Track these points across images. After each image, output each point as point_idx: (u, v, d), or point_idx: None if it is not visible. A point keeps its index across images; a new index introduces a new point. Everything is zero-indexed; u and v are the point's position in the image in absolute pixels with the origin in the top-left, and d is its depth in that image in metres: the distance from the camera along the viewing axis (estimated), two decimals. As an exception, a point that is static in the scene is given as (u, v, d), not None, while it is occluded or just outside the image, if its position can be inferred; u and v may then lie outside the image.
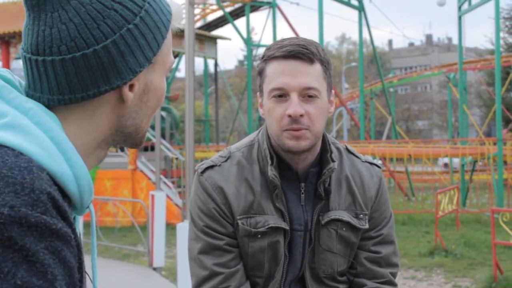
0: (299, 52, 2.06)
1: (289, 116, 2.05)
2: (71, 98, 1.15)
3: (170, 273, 10.21)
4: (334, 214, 2.22)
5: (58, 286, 0.99)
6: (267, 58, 2.12)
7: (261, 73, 2.16)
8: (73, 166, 1.11)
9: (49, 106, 1.16)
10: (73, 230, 1.06)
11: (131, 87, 1.19)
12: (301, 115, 2.05)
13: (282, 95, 2.08)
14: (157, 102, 1.28)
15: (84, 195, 1.14)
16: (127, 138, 1.28)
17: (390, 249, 2.32)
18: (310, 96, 2.07)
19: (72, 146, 1.13)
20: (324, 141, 2.23)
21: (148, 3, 1.19)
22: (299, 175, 2.21)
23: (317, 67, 2.09)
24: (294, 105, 2.04)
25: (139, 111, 1.24)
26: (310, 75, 2.07)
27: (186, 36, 6.18)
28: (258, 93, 2.23)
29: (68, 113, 1.18)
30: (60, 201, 1.04)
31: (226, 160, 2.24)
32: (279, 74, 2.07)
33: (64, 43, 1.12)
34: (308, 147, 2.10)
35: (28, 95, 1.18)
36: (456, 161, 25.85)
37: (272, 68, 2.10)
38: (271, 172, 2.14)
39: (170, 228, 12.16)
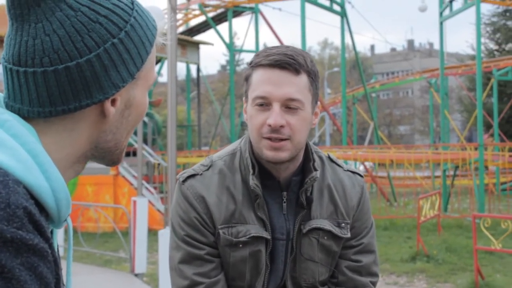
0: (285, 62, 2.04)
1: (270, 125, 2.04)
2: (51, 111, 1.14)
3: (152, 279, 10.17)
4: (315, 223, 2.21)
5: None
6: (254, 65, 2.11)
7: (247, 79, 2.15)
8: (50, 179, 1.10)
9: (29, 118, 1.15)
10: (50, 245, 1.05)
11: (113, 102, 1.18)
12: (282, 126, 2.04)
13: (264, 104, 2.06)
14: (138, 117, 1.27)
15: (61, 208, 1.12)
16: (106, 154, 1.26)
17: (371, 258, 2.32)
18: (292, 108, 2.06)
19: (50, 159, 1.11)
20: (307, 150, 2.22)
21: (134, 17, 1.18)
22: (281, 184, 2.20)
23: (303, 79, 2.07)
24: (275, 116, 2.03)
25: (120, 126, 1.23)
26: (295, 86, 2.05)
27: (168, 42, 6.14)
28: (243, 98, 2.21)
29: (47, 126, 1.16)
30: (37, 215, 1.02)
31: (208, 169, 2.23)
32: (263, 82, 2.06)
33: (47, 55, 1.10)
34: (287, 158, 2.09)
35: (7, 105, 1.16)
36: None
37: (258, 75, 2.09)
38: (253, 181, 2.12)
39: (152, 234, 12.14)
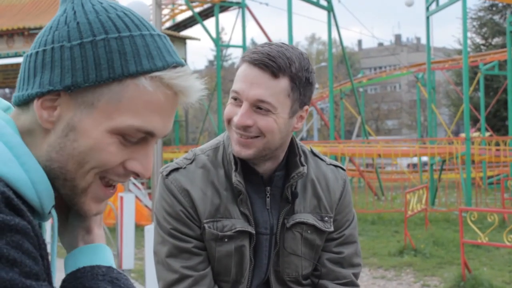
0: (263, 62, 1.99)
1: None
2: (18, 95, 1.16)
3: (140, 275, 10.15)
4: (299, 217, 2.20)
5: (25, 276, 0.98)
6: (241, 59, 2.10)
7: (237, 70, 2.13)
8: (29, 170, 1.09)
9: (14, 103, 1.17)
10: (30, 222, 1.04)
11: (48, 108, 1.12)
12: (248, 126, 2.02)
13: (237, 99, 2.05)
14: (90, 153, 1.12)
15: (43, 200, 1.12)
16: (56, 180, 1.15)
17: (352, 249, 2.32)
18: (261, 109, 2.02)
19: (28, 150, 1.11)
20: (292, 145, 2.21)
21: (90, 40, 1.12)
22: (264, 179, 2.19)
23: (281, 83, 2.01)
24: (240, 115, 2.01)
25: (64, 147, 1.12)
26: (268, 89, 2.00)
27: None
28: None
29: (20, 119, 1.18)
30: (15, 200, 1.02)
31: (191, 163, 2.22)
32: (241, 78, 2.04)
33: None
34: (253, 156, 2.07)
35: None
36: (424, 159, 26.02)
37: (240, 70, 2.07)
38: (235, 178, 2.12)
39: (140, 229, 12.10)
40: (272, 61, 1.99)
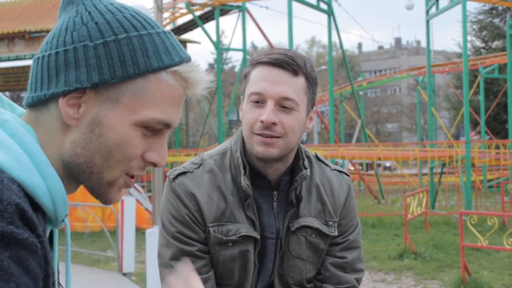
0: (284, 61, 2.07)
1: (262, 121, 2.06)
2: (29, 97, 1.18)
3: (140, 279, 10.16)
4: (303, 221, 2.23)
5: None
6: (254, 63, 2.14)
7: (246, 76, 2.17)
8: (46, 178, 1.11)
9: (27, 105, 1.20)
10: (41, 242, 1.06)
11: (73, 105, 1.16)
12: (274, 123, 2.06)
13: (259, 101, 2.09)
14: (116, 147, 1.18)
15: (58, 208, 1.14)
16: (81, 175, 1.20)
17: (355, 254, 2.34)
18: (285, 107, 2.07)
19: (46, 158, 1.13)
20: (297, 149, 2.24)
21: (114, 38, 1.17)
22: (272, 183, 2.21)
23: (300, 81, 2.09)
24: (268, 112, 2.05)
25: (90, 142, 1.17)
26: (291, 86, 2.07)
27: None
28: (241, 97, 2.23)
29: (37, 120, 1.19)
30: (29, 212, 1.04)
31: (198, 167, 2.24)
32: (261, 79, 2.09)
33: (46, 42, 1.19)
34: (277, 155, 2.10)
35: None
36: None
37: (256, 72, 2.11)
38: (244, 182, 2.14)
39: (140, 233, 12.12)
40: (291, 60, 2.07)
